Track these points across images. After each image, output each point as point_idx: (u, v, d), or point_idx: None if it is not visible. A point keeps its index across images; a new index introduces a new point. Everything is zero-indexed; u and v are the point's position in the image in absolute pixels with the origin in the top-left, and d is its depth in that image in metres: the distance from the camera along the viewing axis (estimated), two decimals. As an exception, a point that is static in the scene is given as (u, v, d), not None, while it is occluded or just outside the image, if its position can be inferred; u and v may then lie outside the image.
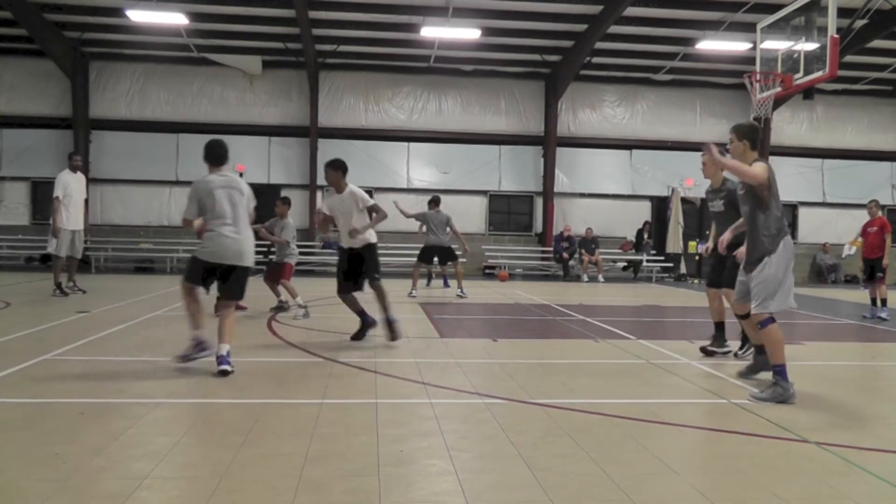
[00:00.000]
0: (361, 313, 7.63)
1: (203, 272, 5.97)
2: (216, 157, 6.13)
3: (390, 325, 7.36)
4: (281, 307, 10.22)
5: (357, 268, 7.53)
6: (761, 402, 5.15)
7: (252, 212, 6.29)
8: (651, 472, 3.67)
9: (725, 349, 7.17)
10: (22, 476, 3.39)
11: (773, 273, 5.44)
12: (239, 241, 5.95)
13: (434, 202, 13.64)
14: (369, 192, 21.55)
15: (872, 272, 11.56)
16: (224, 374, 5.62)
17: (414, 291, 13.19)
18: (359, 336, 7.61)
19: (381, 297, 7.37)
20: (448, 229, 13.37)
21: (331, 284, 15.19)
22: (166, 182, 20.29)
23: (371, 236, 7.51)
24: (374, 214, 7.49)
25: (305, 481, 3.40)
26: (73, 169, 11.66)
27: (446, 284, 15.06)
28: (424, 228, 13.89)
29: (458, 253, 13.71)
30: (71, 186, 11.51)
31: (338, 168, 7.50)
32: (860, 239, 12.02)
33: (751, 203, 5.56)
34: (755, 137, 5.75)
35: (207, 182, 5.95)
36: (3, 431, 4.14)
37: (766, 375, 5.69)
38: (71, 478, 3.36)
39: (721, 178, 7.04)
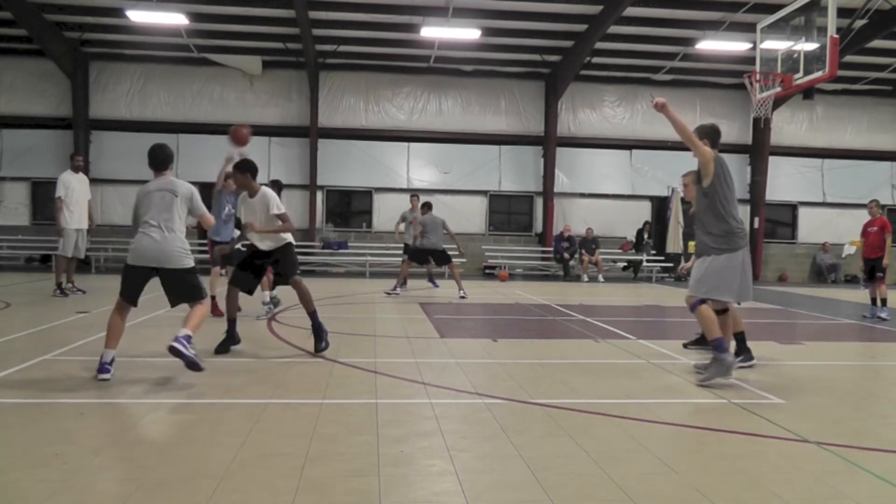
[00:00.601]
0: (232, 322, 6.99)
1: (139, 280, 5.94)
2: (156, 162, 6.01)
3: (316, 331, 6.85)
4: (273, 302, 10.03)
5: (262, 268, 7.21)
6: (709, 384, 5.57)
7: (201, 213, 6.02)
8: (651, 471, 3.68)
9: (751, 362, 6.70)
10: (22, 476, 3.39)
11: (721, 267, 5.89)
12: (160, 242, 5.69)
13: (426, 206, 13.59)
14: (369, 192, 21.53)
15: (873, 272, 11.57)
16: (173, 350, 5.32)
17: (398, 290, 13.28)
18: (222, 348, 6.84)
19: (303, 297, 6.89)
20: (444, 232, 13.40)
21: (330, 285, 15.20)
22: (166, 182, 20.27)
23: (286, 237, 7.12)
24: (278, 223, 6.98)
25: (306, 481, 3.40)
26: (75, 169, 11.68)
27: (435, 284, 14.98)
28: (402, 227, 14.02)
29: (453, 254, 13.73)
30: (72, 186, 11.53)
31: (245, 170, 7.06)
32: (860, 239, 12.02)
33: (704, 203, 5.92)
34: (716, 139, 6.03)
35: (144, 187, 5.89)
36: (3, 431, 4.15)
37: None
38: (71, 478, 3.36)
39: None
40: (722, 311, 6.26)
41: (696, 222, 6.25)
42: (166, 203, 5.76)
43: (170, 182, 5.91)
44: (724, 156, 6.14)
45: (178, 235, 5.80)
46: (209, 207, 8.02)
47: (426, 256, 13.51)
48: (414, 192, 15.73)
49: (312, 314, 6.89)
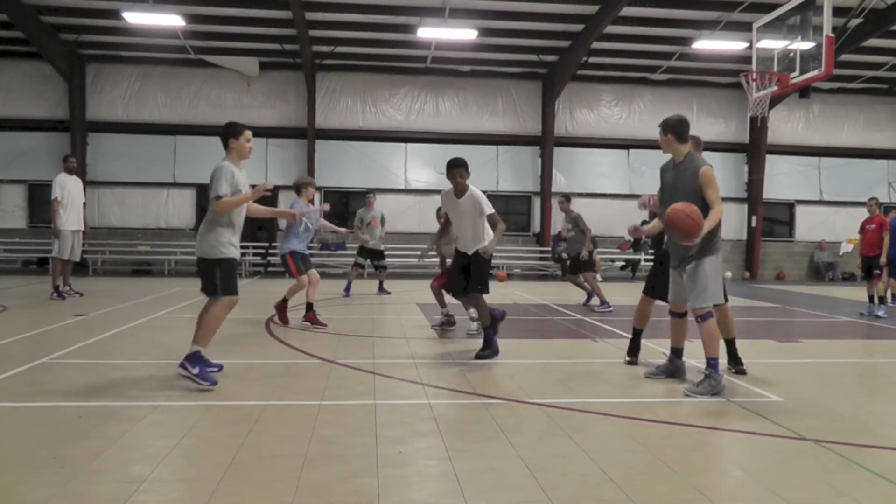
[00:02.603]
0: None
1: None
2: None
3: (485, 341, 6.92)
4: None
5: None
6: (697, 397, 5.30)
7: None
8: (650, 471, 3.68)
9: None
10: (20, 480, 3.38)
11: (711, 270, 5.56)
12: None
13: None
14: (367, 192, 21.62)
15: (870, 270, 11.58)
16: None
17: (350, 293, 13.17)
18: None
19: (479, 310, 7.00)
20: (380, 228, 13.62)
21: (329, 286, 15.17)
22: (164, 184, 20.26)
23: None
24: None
25: (305, 483, 3.40)
26: (70, 171, 11.65)
27: (386, 291, 14.06)
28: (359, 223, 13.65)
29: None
30: (69, 188, 11.51)
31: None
32: (858, 236, 12.02)
33: (698, 205, 5.48)
34: (682, 130, 5.77)
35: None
36: (2, 435, 4.14)
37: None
38: (69, 481, 3.36)
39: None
40: (682, 315, 6.08)
41: None
42: None
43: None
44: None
45: (203, 230, 5.56)
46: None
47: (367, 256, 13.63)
48: (370, 190, 14.96)
49: (486, 329, 6.95)
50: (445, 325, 8.97)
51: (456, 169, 6.88)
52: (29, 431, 4.20)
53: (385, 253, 14.18)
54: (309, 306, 9.03)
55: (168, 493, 3.28)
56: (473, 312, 9.05)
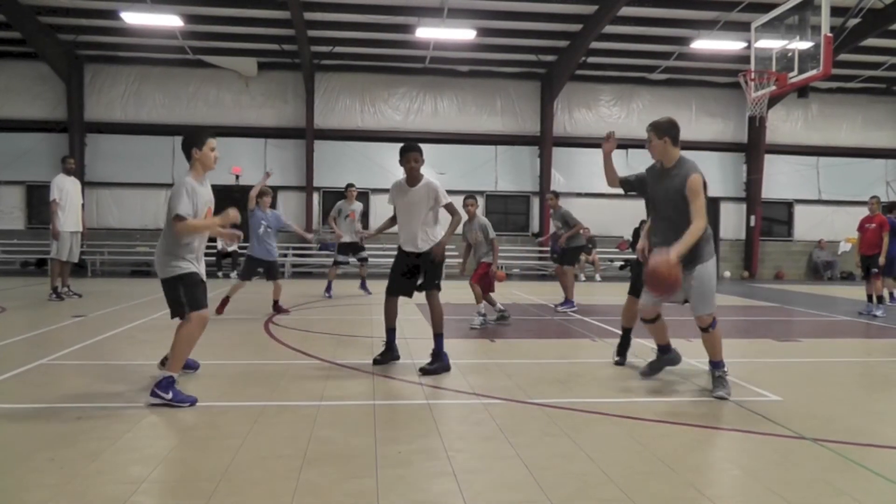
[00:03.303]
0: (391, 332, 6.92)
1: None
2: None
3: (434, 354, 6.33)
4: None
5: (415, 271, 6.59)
6: (726, 399, 5.24)
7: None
8: (649, 470, 3.68)
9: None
10: (19, 481, 3.38)
11: (710, 275, 5.40)
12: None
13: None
14: (365, 193, 21.49)
15: (869, 269, 11.58)
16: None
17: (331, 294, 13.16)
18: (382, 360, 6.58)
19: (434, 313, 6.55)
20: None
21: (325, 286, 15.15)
22: (162, 185, 20.22)
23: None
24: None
25: (304, 483, 3.40)
26: (68, 172, 11.64)
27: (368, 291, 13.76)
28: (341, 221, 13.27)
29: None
30: (67, 189, 11.50)
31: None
32: (858, 235, 11.99)
33: (683, 207, 5.35)
34: (676, 134, 5.53)
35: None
36: (1, 437, 4.14)
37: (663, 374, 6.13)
38: (68, 483, 3.36)
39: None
40: (656, 318, 5.85)
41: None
42: None
43: None
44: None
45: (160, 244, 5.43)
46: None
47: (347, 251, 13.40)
48: (350, 183, 14.13)
49: (439, 337, 6.33)
50: (500, 320, 9.61)
51: (410, 153, 6.23)
52: (28, 433, 4.20)
53: (364, 246, 13.67)
54: (275, 303, 10.32)
55: (167, 493, 3.28)
56: (482, 308, 9.20)
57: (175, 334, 5.11)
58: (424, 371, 6.05)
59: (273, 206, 10.63)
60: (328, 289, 13.29)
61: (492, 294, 9.75)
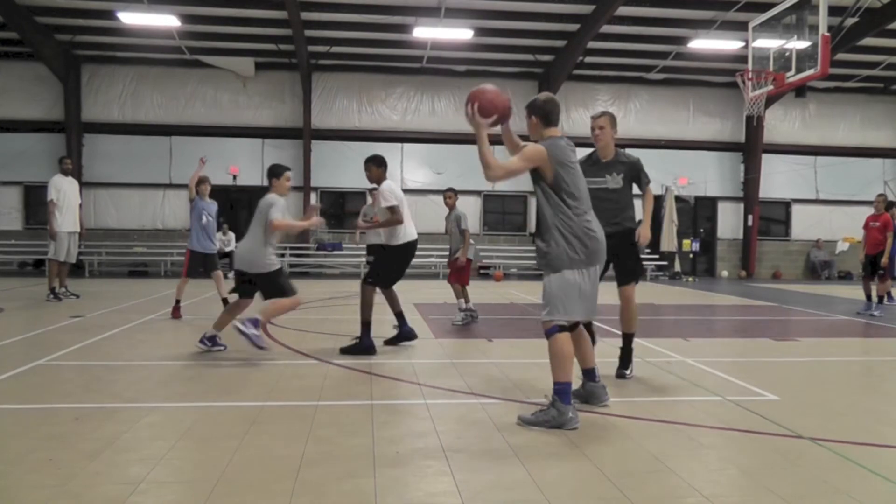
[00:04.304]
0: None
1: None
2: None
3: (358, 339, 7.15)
4: None
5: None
6: (529, 427, 4.41)
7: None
8: (647, 469, 3.68)
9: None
10: (17, 483, 3.38)
11: (554, 283, 4.59)
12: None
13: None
14: (363, 193, 21.48)
15: (873, 267, 11.55)
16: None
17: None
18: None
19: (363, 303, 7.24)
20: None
21: (325, 286, 15.16)
22: (160, 185, 20.24)
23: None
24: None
25: (302, 483, 3.39)
26: (65, 172, 11.62)
27: None
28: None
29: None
30: (64, 189, 11.49)
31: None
32: (863, 233, 11.94)
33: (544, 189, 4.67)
34: (549, 111, 4.83)
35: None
36: (-2, 437, 4.13)
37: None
38: (66, 483, 3.35)
39: (613, 148, 6.13)
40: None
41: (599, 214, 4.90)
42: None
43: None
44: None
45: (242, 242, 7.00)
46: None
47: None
48: (374, 186, 14.73)
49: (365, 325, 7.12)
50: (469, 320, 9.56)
51: (367, 163, 7.54)
52: (26, 433, 4.20)
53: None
54: (224, 301, 9.66)
55: (165, 494, 3.28)
56: (462, 303, 9.57)
57: (273, 303, 6.69)
58: (343, 350, 6.96)
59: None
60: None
61: (466, 288, 9.78)
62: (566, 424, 4.36)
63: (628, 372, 5.97)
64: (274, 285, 6.68)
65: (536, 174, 4.64)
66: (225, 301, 9.84)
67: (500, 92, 4.75)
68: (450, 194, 10.24)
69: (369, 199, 13.86)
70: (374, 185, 7.71)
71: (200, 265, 9.81)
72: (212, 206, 9.91)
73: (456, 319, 9.45)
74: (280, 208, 6.70)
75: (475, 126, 4.68)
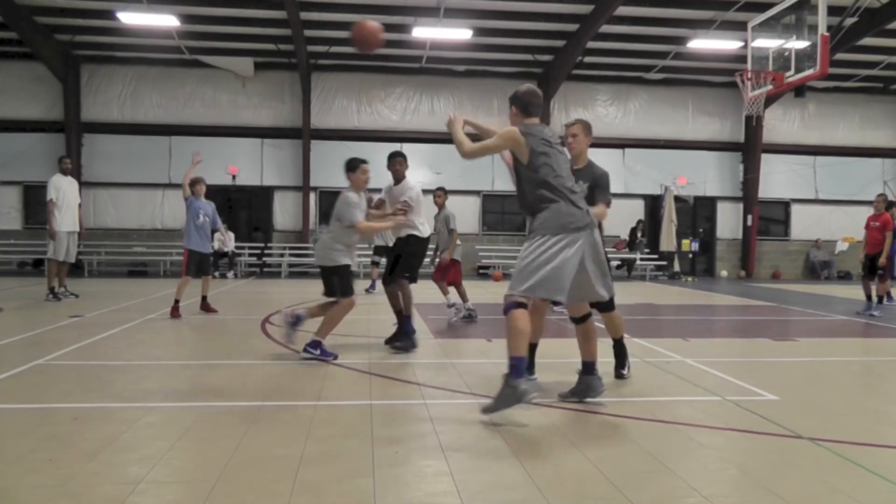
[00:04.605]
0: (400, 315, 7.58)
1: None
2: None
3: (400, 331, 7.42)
4: None
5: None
6: (490, 414, 4.49)
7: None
8: (646, 469, 3.68)
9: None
10: (16, 483, 3.37)
11: (528, 251, 4.66)
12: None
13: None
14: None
15: (873, 267, 11.55)
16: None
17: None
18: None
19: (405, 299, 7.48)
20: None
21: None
22: (159, 185, 20.24)
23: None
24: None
25: (301, 483, 3.39)
26: (64, 172, 11.62)
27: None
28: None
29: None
30: (63, 189, 11.48)
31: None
32: (864, 233, 11.95)
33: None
34: (528, 101, 4.93)
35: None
36: (-3, 437, 4.13)
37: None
38: (65, 484, 3.35)
39: (587, 157, 6.18)
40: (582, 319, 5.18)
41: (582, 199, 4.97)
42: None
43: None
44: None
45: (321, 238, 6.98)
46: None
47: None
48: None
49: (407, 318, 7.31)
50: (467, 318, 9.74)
51: (399, 158, 7.63)
52: (25, 433, 4.19)
53: None
54: (203, 299, 10.24)
55: (164, 494, 3.27)
56: (450, 299, 9.93)
57: (327, 311, 6.64)
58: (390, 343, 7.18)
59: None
60: (372, 286, 14.52)
61: (450, 287, 10.07)
62: (522, 397, 4.41)
63: (625, 371, 5.92)
64: (331, 282, 6.66)
65: (517, 162, 4.80)
66: (204, 300, 10.25)
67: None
68: (439, 193, 10.44)
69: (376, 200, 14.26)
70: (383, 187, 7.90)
71: (197, 264, 9.84)
72: (207, 206, 9.95)
73: (451, 317, 9.59)
74: (360, 208, 6.63)
75: (450, 124, 5.31)
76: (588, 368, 5.08)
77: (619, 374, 5.89)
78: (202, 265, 9.94)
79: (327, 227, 6.89)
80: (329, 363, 6.37)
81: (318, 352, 6.47)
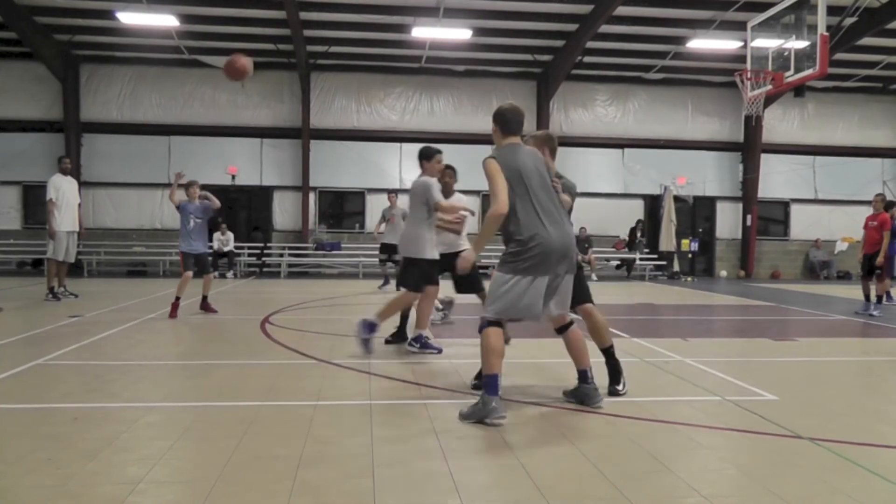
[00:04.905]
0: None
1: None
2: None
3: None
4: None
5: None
6: (463, 420, 4.51)
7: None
8: (646, 469, 3.68)
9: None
10: (15, 483, 3.37)
11: (497, 280, 4.68)
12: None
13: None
14: (361, 192, 21.51)
15: (871, 268, 11.56)
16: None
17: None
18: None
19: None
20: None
21: (324, 286, 15.14)
22: (158, 185, 20.20)
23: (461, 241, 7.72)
24: None
25: (300, 484, 3.39)
26: (64, 172, 11.61)
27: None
28: (383, 227, 14.64)
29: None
30: (63, 189, 11.48)
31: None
32: (863, 233, 11.95)
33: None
34: (508, 119, 4.88)
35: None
36: (-4, 437, 4.13)
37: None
38: (65, 483, 3.35)
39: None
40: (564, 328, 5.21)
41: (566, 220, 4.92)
42: None
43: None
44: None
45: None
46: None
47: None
48: (392, 190, 16.18)
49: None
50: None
51: (439, 155, 7.48)
52: (24, 433, 4.19)
53: None
54: (203, 299, 10.17)
55: (164, 494, 3.27)
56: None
57: (416, 308, 7.02)
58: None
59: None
60: (385, 282, 14.74)
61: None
62: (490, 415, 4.41)
63: (621, 387, 5.33)
64: (412, 274, 6.86)
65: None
66: (204, 299, 10.14)
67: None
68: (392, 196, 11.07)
69: (386, 203, 15.01)
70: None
71: (193, 263, 9.88)
72: (197, 208, 9.92)
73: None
74: (438, 189, 6.87)
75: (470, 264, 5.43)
76: (581, 376, 5.02)
77: (612, 391, 5.31)
78: (199, 263, 9.94)
79: (409, 216, 7.11)
80: (363, 352, 6.68)
81: (419, 346, 6.82)
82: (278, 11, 16.51)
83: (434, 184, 6.89)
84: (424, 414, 4.71)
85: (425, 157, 7.09)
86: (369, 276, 18.55)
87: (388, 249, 14.42)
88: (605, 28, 17.36)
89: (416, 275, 6.84)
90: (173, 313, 9.49)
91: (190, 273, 9.80)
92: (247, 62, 8.15)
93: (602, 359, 5.39)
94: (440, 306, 9.68)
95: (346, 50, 19.62)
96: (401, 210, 14.58)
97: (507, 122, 4.88)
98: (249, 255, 20.17)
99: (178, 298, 9.66)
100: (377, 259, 15.37)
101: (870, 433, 4.43)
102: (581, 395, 5.01)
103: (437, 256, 6.94)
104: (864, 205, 15.95)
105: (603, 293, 11.30)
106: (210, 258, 10.49)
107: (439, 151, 7.17)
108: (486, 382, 4.51)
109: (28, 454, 3.77)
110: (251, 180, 20.68)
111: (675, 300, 14.12)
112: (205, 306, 10.13)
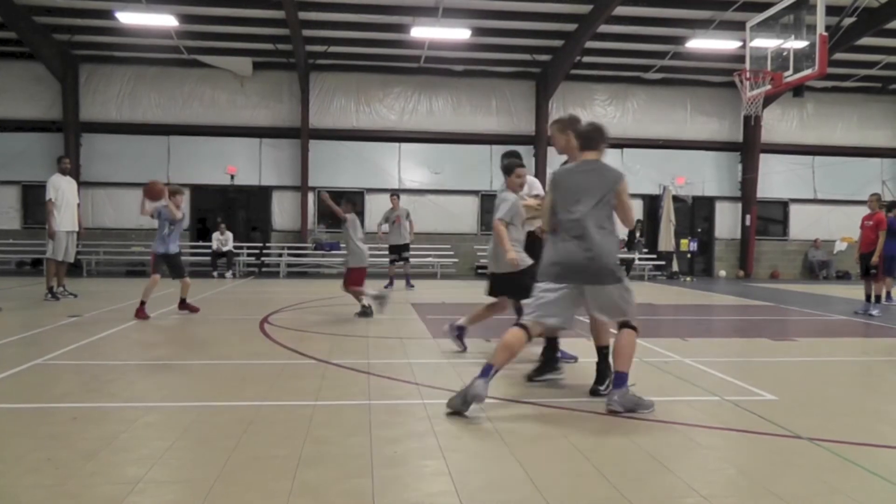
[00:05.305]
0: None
1: None
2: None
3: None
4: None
5: None
6: (449, 409, 4.71)
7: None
8: (645, 469, 3.68)
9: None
10: (14, 482, 3.37)
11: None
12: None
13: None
14: (360, 192, 21.49)
15: (868, 267, 11.58)
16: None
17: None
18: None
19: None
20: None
21: (323, 286, 15.12)
22: (157, 185, 20.21)
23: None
24: None
25: (299, 484, 3.39)
26: (63, 172, 11.61)
27: (409, 284, 15.47)
28: (386, 227, 15.00)
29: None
30: (62, 189, 11.47)
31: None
32: (859, 232, 11.98)
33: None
34: (587, 136, 5.34)
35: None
36: (-5, 437, 4.12)
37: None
38: (64, 483, 3.34)
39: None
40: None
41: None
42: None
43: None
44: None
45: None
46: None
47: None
48: (394, 192, 16.31)
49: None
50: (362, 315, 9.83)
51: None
52: (23, 433, 4.19)
53: (409, 246, 15.46)
54: (182, 301, 10.03)
55: (163, 494, 3.27)
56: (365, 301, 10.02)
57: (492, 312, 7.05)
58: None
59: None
60: (390, 283, 15.05)
61: (359, 288, 10.09)
62: (468, 392, 4.68)
63: (603, 388, 5.22)
64: (525, 285, 5.92)
65: None
66: (182, 301, 10.03)
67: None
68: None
69: (390, 204, 15.31)
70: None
71: (164, 264, 9.86)
72: (168, 213, 9.81)
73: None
74: (509, 206, 6.46)
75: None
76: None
77: (594, 390, 5.27)
78: (172, 265, 9.87)
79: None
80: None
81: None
82: (277, 11, 16.51)
83: (514, 202, 6.45)
84: (423, 414, 4.71)
85: (506, 171, 6.54)
86: (369, 275, 18.51)
87: (395, 250, 14.95)
88: (603, 28, 17.37)
89: (514, 286, 6.45)
90: (141, 314, 9.28)
91: (157, 276, 9.71)
92: (162, 187, 9.62)
93: (595, 359, 5.46)
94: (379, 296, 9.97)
95: (345, 50, 19.62)
96: (403, 210, 14.97)
97: (588, 138, 5.38)
98: (248, 255, 20.16)
99: (143, 303, 9.41)
100: (376, 260, 15.61)
101: (869, 433, 4.43)
102: (629, 403, 4.80)
103: (527, 262, 6.45)
104: (863, 205, 15.90)
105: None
106: (182, 258, 10.26)
107: (521, 164, 6.56)
108: (484, 368, 4.80)
109: (27, 454, 3.77)
110: (250, 180, 20.68)
111: (674, 300, 14.12)
112: (185, 307, 10.02)
